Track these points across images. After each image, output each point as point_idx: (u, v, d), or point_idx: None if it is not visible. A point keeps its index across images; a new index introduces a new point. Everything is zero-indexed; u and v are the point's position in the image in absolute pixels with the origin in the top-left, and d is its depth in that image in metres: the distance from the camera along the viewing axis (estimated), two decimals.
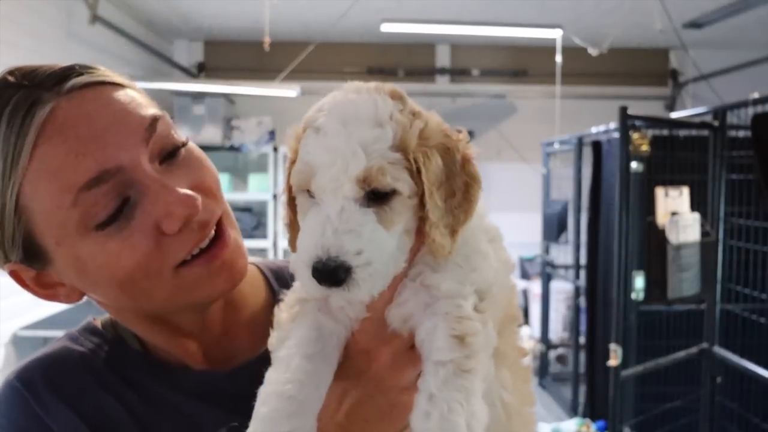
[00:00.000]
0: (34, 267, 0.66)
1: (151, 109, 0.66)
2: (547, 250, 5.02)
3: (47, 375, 0.68)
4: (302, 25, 5.27)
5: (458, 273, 0.56)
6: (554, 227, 4.67)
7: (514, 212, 6.75)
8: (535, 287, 5.87)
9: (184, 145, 0.67)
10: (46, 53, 4.16)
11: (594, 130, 4.02)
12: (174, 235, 0.62)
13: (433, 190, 0.54)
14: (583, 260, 4.27)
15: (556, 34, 5.02)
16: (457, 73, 6.75)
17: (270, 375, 0.57)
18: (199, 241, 0.64)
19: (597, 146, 4.03)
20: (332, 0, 4.74)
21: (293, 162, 0.56)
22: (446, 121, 0.66)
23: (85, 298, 0.66)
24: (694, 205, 2.83)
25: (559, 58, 5.11)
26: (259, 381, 0.57)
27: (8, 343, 3.79)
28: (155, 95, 0.66)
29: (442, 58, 6.74)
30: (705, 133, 3.00)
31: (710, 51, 6.03)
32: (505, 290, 0.61)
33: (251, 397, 0.56)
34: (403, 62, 6.59)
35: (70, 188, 0.59)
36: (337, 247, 0.51)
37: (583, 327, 4.29)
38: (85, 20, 4.42)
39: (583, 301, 4.35)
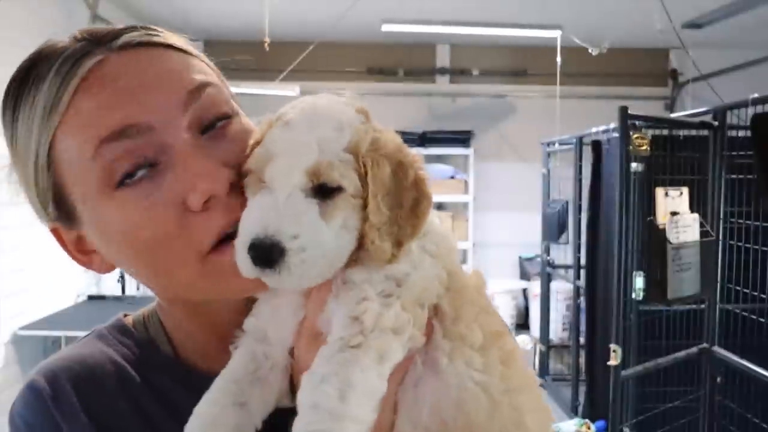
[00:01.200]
0: (70, 228, 0.63)
1: (202, 76, 0.62)
2: (547, 250, 5.02)
3: (79, 379, 0.65)
4: (302, 25, 5.27)
5: (372, 266, 0.57)
6: (554, 227, 4.67)
7: (514, 212, 6.75)
8: (535, 287, 5.87)
9: (228, 117, 0.62)
10: None
11: (594, 130, 4.02)
12: (199, 213, 0.57)
13: (377, 194, 0.56)
14: (583, 260, 4.27)
15: (556, 34, 5.03)
16: (457, 73, 6.75)
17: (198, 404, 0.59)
18: (227, 225, 0.58)
19: (597, 146, 4.03)
20: (332, 0, 4.74)
21: (257, 144, 0.59)
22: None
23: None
24: (694, 206, 2.82)
25: (559, 58, 5.11)
26: None
27: (8, 343, 3.79)
28: None
29: (442, 58, 6.74)
30: (705, 133, 3.00)
31: (710, 51, 6.03)
32: (434, 278, 0.59)
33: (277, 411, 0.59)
34: (403, 62, 6.59)
35: (92, 139, 0.56)
36: (275, 227, 0.53)
37: (583, 327, 4.29)
38: (85, 20, 4.42)
39: (583, 301, 4.35)
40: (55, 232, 0.65)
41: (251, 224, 0.55)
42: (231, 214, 0.58)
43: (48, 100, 0.58)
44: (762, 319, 2.71)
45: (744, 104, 2.73)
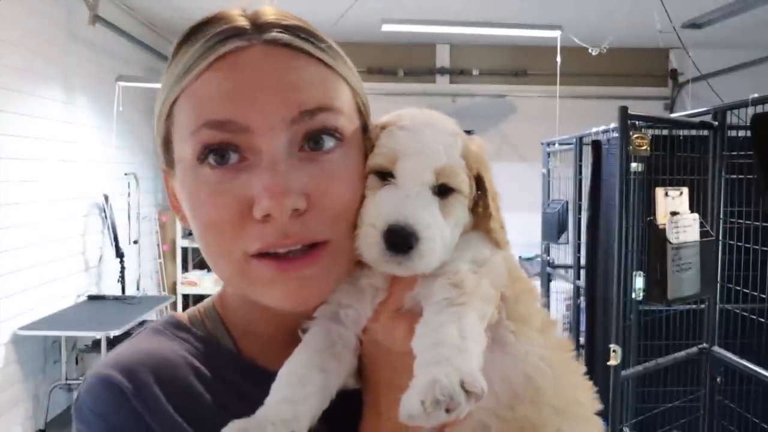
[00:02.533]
0: (170, 174, 0.67)
1: (326, 99, 0.62)
2: (547, 250, 5.02)
3: (158, 371, 0.64)
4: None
5: (458, 250, 0.64)
6: (554, 227, 4.67)
7: (514, 212, 6.68)
8: (535, 287, 5.87)
9: (332, 146, 0.62)
10: (46, 53, 4.16)
11: (594, 130, 4.02)
12: (257, 222, 0.59)
13: (495, 196, 0.67)
14: (583, 260, 4.27)
15: (556, 34, 5.03)
16: (457, 73, 6.75)
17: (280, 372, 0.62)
18: (272, 246, 0.59)
19: (597, 146, 4.03)
20: (332, 0, 4.74)
21: (372, 145, 0.65)
22: None
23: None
24: (694, 206, 2.82)
25: (559, 58, 5.12)
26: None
27: (8, 343, 3.79)
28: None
29: (442, 58, 6.75)
30: (705, 133, 3.00)
31: (710, 51, 6.03)
32: (505, 262, 0.67)
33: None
34: (403, 62, 6.60)
35: (198, 118, 0.60)
36: (414, 217, 0.59)
37: (583, 327, 4.29)
38: (85, 20, 4.42)
39: (583, 301, 4.35)
40: (165, 174, 0.69)
41: (387, 213, 0.60)
42: (283, 238, 0.59)
43: (186, 64, 0.61)
44: (762, 319, 2.71)
45: (744, 104, 2.73)
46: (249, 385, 0.67)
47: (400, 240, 0.58)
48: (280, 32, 0.62)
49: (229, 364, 0.69)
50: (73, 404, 0.65)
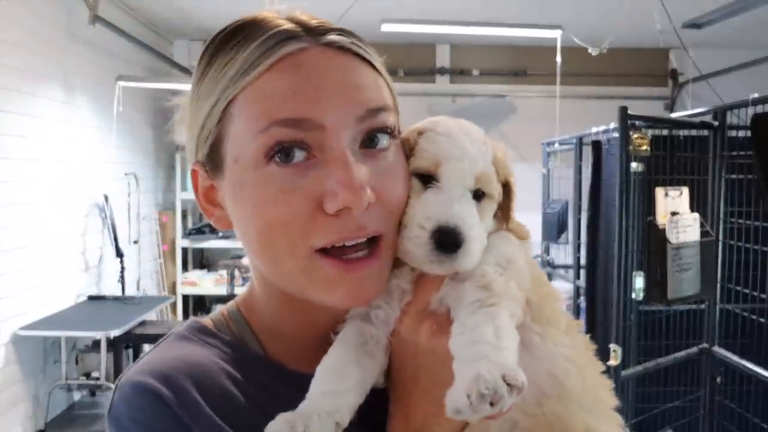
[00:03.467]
0: (210, 175, 0.66)
1: (384, 100, 0.66)
2: (547, 250, 5.02)
3: (194, 377, 0.64)
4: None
5: (482, 253, 0.67)
6: (554, 227, 4.67)
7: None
8: None
9: (388, 144, 0.66)
10: (46, 53, 4.16)
11: (594, 130, 4.02)
12: (328, 216, 0.60)
13: (514, 200, 0.72)
14: (583, 260, 4.27)
15: (556, 34, 5.02)
16: (457, 73, 6.75)
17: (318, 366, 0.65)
18: (346, 238, 0.61)
19: (597, 146, 4.03)
20: (332, 0, 4.74)
21: (411, 149, 0.69)
22: None
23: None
24: (694, 205, 2.82)
25: (559, 58, 5.11)
26: None
27: (8, 343, 3.79)
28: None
29: (442, 58, 6.75)
30: (705, 133, 3.00)
31: (710, 51, 6.03)
32: (528, 267, 0.70)
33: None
34: (403, 62, 6.60)
35: (267, 116, 0.60)
36: (461, 219, 0.63)
37: (583, 327, 4.29)
38: (85, 20, 4.42)
39: (583, 301, 4.34)
40: (194, 172, 0.69)
41: (436, 214, 0.63)
42: (357, 231, 0.61)
43: (244, 64, 0.62)
44: (762, 319, 2.71)
45: (744, 104, 2.73)
46: (280, 386, 0.67)
47: (449, 240, 0.62)
48: (338, 35, 0.64)
49: (258, 367, 0.69)
50: (107, 415, 0.64)
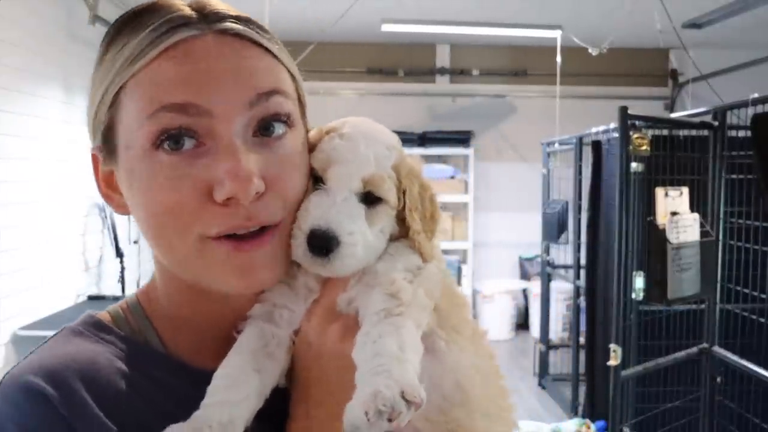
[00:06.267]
0: (106, 161, 0.66)
1: (278, 84, 0.65)
2: (547, 250, 5.02)
3: (84, 375, 0.61)
4: (302, 24, 5.27)
5: (391, 258, 0.68)
6: (554, 227, 4.67)
7: (514, 212, 6.76)
8: (535, 287, 5.87)
9: (283, 130, 0.65)
10: (46, 53, 4.16)
11: (594, 130, 4.02)
12: (218, 205, 0.60)
13: (411, 208, 0.69)
14: (583, 260, 4.27)
15: (556, 34, 5.03)
16: (457, 73, 6.75)
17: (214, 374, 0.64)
18: (236, 227, 0.61)
19: (597, 146, 4.03)
20: (332, 0, 4.74)
21: (312, 149, 0.69)
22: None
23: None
24: (694, 205, 2.82)
25: (559, 58, 5.12)
26: None
27: (8, 343, 3.79)
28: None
29: (442, 58, 6.74)
30: (705, 133, 3.00)
31: (710, 51, 6.03)
32: (439, 274, 0.70)
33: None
34: (403, 62, 6.59)
35: (155, 102, 0.60)
36: (336, 223, 0.63)
37: (583, 327, 4.29)
38: (85, 20, 4.42)
39: (583, 301, 4.35)
40: (94, 157, 0.68)
41: (314, 216, 0.64)
42: (246, 220, 0.61)
43: (135, 50, 0.61)
44: (762, 319, 2.71)
45: (744, 104, 2.73)
46: (179, 384, 0.65)
47: (321, 243, 0.63)
48: (233, 22, 0.63)
49: (156, 363, 0.66)
50: None
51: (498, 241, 6.81)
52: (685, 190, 2.77)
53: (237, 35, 0.63)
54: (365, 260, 0.66)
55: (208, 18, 0.63)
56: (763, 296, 2.73)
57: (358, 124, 0.70)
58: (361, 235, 0.64)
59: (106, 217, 5.01)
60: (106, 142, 0.65)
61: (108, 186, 0.68)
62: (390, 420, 0.53)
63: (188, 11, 0.63)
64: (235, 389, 0.62)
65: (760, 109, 2.64)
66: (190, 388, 0.63)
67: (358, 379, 0.57)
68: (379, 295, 0.63)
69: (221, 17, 0.63)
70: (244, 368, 0.63)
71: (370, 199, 0.66)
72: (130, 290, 5.19)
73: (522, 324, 6.70)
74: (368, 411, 0.53)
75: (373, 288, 0.65)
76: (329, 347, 0.64)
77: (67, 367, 0.61)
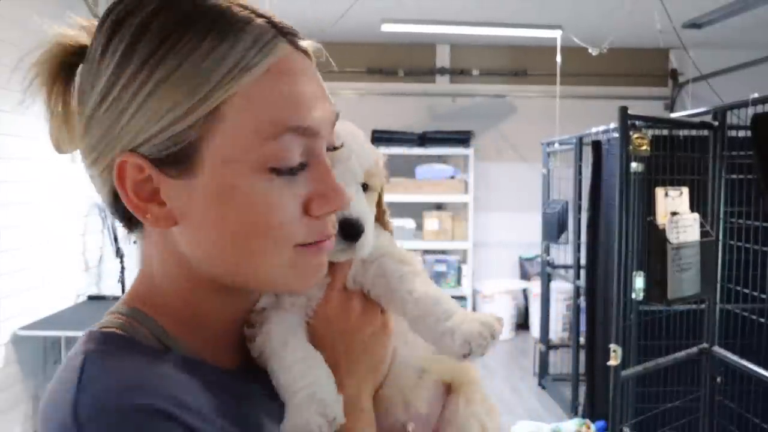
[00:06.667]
0: (162, 171, 0.60)
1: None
2: (547, 250, 5.02)
3: (165, 390, 0.57)
4: (302, 24, 5.24)
5: (376, 237, 0.77)
6: (554, 227, 4.67)
7: (514, 212, 6.76)
8: (535, 287, 5.87)
9: (335, 148, 0.71)
10: None
11: (594, 130, 4.02)
12: (312, 218, 0.63)
13: (382, 194, 0.80)
14: (583, 260, 4.27)
15: (556, 34, 5.03)
16: (457, 73, 6.75)
17: (277, 367, 0.69)
18: (324, 237, 0.65)
19: (597, 146, 4.03)
20: (332, 0, 4.74)
21: None
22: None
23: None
24: (694, 205, 2.82)
25: (559, 58, 5.12)
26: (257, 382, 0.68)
27: (8, 343, 3.79)
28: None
29: (442, 58, 6.74)
30: (705, 133, 3.00)
31: (710, 51, 6.03)
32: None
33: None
34: (403, 62, 6.59)
35: (281, 124, 0.59)
36: (357, 211, 0.71)
37: (583, 327, 4.29)
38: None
39: (583, 301, 4.35)
40: (123, 164, 0.60)
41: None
42: (331, 230, 0.67)
43: (241, 60, 0.58)
44: (762, 319, 2.71)
45: (744, 104, 2.73)
46: (224, 383, 0.64)
47: (353, 231, 0.71)
48: (307, 41, 0.66)
49: (194, 368, 0.63)
50: None
51: (498, 241, 6.81)
52: (685, 190, 2.77)
53: (306, 53, 0.65)
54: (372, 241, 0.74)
55: (283, 31, 0.62)
56: (763, 296, 2.73)
57: (344, 127, 0.74)
58: (370, 221, 0.74)
59: (106, 217, 5.01)
60: (178, 154, 0.59)
61: (141, 196, 0.61)
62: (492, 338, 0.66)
63: (263, 21, 0.61)
64: (312, 369, 0.68)
65: (760, 109, 2.64)
66: (226, 386, 0.64)
67: (432, 326, 0.69)
68: (393, 264, 0.74)
69: (295, 32, 0.64)
70: (305, 347, 0.70)
71: (364, 188, 0.75)
72: None
73: (522, 324, 6.70)
74: (473, 340, 0.66)
75: (372, 263, 0.75)
76: (353, 322, 0.73)
77: (142, 378, 0.57)
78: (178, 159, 0.59)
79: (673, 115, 3.84)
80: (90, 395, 0.54)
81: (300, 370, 0.67)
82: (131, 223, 0.68)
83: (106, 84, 0.60)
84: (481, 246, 6.74)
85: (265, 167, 0.59)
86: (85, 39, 0.70)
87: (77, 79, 0.68)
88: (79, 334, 0.64)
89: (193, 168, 0.59)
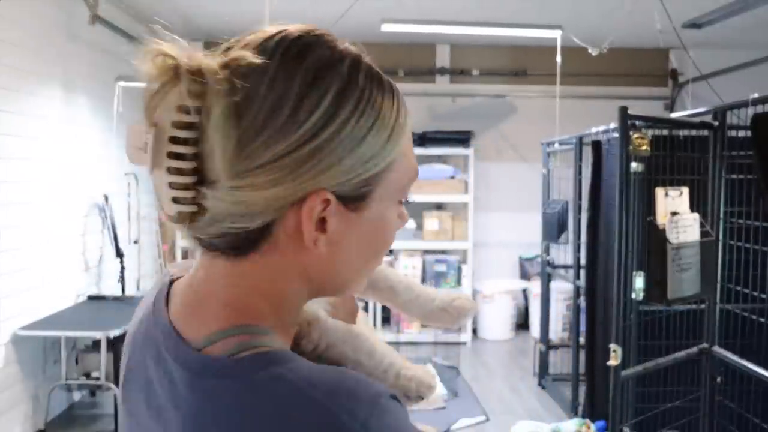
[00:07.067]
0: (347, 206, 0.65)
1: None
2: (547, 250, 5.02)
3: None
4: (302, 24, 5.26)
5: None
6: (554, 227, 4.67)
7: (514, 212, 6.76)
8: (535, 287, 5.87)
9: None
10: (46, 53, 4.16)
11: (594, 130, 4.02)
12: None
13: None
14: (583, 260, 4.27)
15: (556, 34, 5.02)
16: (457, 73, 6.75)
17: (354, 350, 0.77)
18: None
19: (597, 146, 4.03)
20: (332, 0, 4.74)
21: None
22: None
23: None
24: (694, 205, 2.82)
25: (559, 58, 5.11)
26: None
27: (8, 343, 3.79)
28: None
29: (442, 58, 6.74)
30: (705, 133, 3.00)
31: (710, 51, 6.03)
32: None
33: None
34: (403, 62, 6.59)
35: (415, 167, 0.72)
36: None
37: (583, 327, 4.29)
38: (85, 20, 4.42)
39: (583, 301, 4.35)
40: (325, 201, 0.64)
41: None
42: None
43: (406, 113, 0.70)
44: (762, 319, 2.71)
45: (744, 104, 2.73)
46: None
47: None
48: None
49: None
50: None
51: (498, 241, 6.81)
52: (685, 190, 2.77)
53: None
54: None
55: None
56: (763, 296, 2.73)
57: None
58: None
59: (106, 217, 5.01)
60: (358, 192, 0.65)
61: (318, 227, 0.65)
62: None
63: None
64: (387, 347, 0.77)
65: (760, 109, 2.64)
66: None
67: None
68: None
69: None
70: (372, 332, 0.80)
71: None
72: (130, 290, 5.19)
73: (522, 324, 6.70)
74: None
75: None
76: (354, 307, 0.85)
77: (367, 386, 0.61)
78: (361, 196, 0.67)
79: (673, 115, 3.84)
80: (354, 403, 0.57)
81: (383, 349, 0.76)
82: (247, 242, 0.66)
83: (317, 123, 0.62)
84: (481, 246, 6.74)
85: (399, 199, 0.72)
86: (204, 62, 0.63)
87: (252, 102, 0.62)
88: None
89: (368, 204, 0.68)
